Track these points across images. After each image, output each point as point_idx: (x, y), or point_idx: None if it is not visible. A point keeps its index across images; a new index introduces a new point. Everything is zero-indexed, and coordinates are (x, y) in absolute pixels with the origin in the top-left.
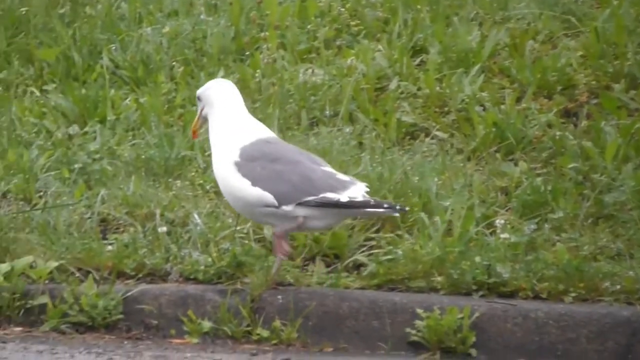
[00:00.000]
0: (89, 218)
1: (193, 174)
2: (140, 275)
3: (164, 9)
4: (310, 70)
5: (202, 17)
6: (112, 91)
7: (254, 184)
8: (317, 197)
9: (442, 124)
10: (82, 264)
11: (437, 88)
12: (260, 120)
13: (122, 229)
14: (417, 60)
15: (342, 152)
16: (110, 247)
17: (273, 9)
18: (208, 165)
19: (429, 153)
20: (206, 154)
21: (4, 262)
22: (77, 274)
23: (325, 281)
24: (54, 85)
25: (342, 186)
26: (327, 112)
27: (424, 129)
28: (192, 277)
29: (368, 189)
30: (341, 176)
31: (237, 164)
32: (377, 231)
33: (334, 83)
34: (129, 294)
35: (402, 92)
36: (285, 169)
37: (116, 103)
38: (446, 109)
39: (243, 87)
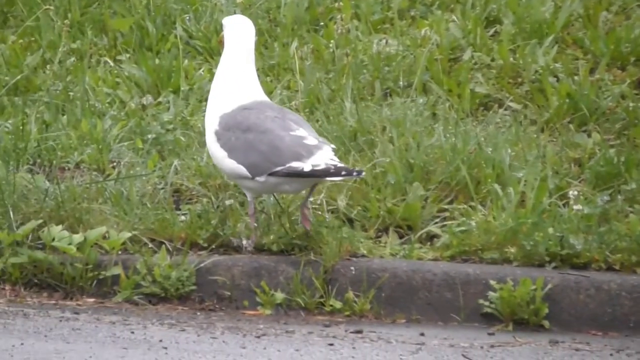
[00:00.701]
0: (162, 189)
1: None
2: (213, 247)
3: None
4: (384, 41)
5: None
6: (186, 61)
7: (229, 155)
8: (284, 167)
9: (515, 95)
10: (155, 235)
11: (511, 59)
12: (333, 91)
13: (195, 200)
14: (491, 31)
15: (416, 122)
16: (183, 218)
17: None
18: None
19: (502, 124)
20: None
21: (77, 232)
22: (150, 245)
23: (398, 252)
24: (128, 56)
25: (308, 152)
26: (401, 83)
27: (497, 100)
28: (264, 248)
29: (334, 151)
30: (310, 140)
31: (216, 134)
32: (451, 202)
33: (408, 53)
34: (202, 265)
35: (475, 63)
36: (255, 138)
37: (189, 73)
38: (520, 79)
39: (317, 57)
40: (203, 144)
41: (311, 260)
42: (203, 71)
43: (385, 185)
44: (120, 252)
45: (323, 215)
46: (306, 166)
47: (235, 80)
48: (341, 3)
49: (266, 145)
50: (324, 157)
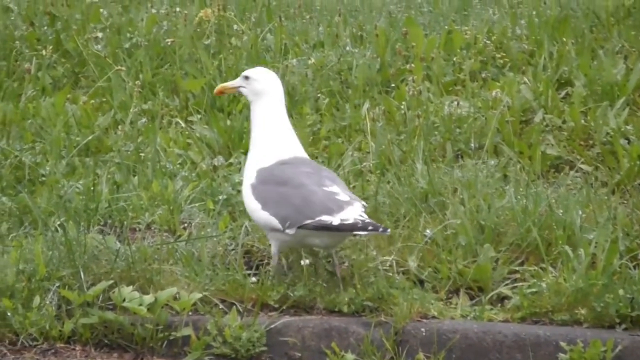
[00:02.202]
0: (233, 250)
1: None
2: (283, 307)
3: (310, 40)
4: (455, 103)
5: (347, 48)
6: None
7: (263, 207)
8: (314, 220)
9: (586, 157)
10: (225, 296)
11: (582, 121)
12: (404, 152)
13: (266, 261)
14: (562, 93)
15: (487, 184)
16: (254, 279)
17: (419, 40)
18: None
19: (573, 186)
20: (351, 185)
21: (147, 293)
22: (221, 306)
23: (469, 314)
24: (199, 117)
25: (339, 207)
26: (472, 145)
27: (568, 162)
28: (335, 309)
29: (364, 208)
30: (342, 196)
31: (252, 186)
32: (521, 264)
33: (479, 115)
34: (273, 326)
35: (547, 125)
36: (289, 192)
37: None
38: (591, 141)
39: (388, 119)
40: None
41: (382, 321)
42: None
43: (456, 247)
44: (190, 313)
45: (393, 277)
46: (335, 220)
47: (273, 135)
48: (413, 65)
49: (299, 199)
50: (354, 212)
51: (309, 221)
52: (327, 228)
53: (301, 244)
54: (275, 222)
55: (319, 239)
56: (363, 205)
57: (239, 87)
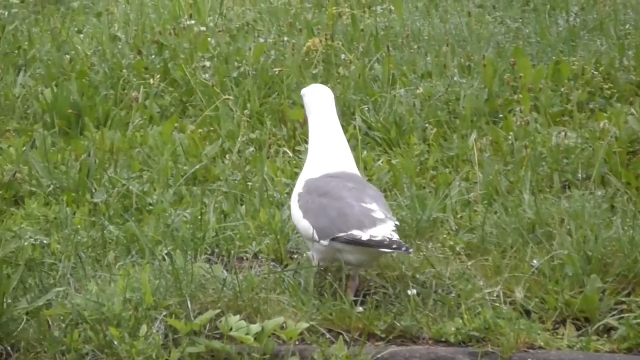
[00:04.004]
0: (340, 279)
1: (445, 235)
2: (390, 337)
3: (418, 70)
4: (562, 133)
5: (455, 78)
6: (365, 152)
7: (304, 215)
8: (346, 233)
9: None
10: (332, 325)
11: None
12: (512, 183)
13: (372, 291)
14: None
15: (594, 215)
16: (360, 308)
17: (526, 71)
18: (460, 227)
19: None
20: (458, 216)
21: (254, 322)
22: (328, 335)
23: (576, 344)
24: (306, 146)
25: (371, 223)
26: (579, 175)
27: None
28: (442, 339)
29: (396, 227)
30: (377, 213)
31: (299, 195)
32: (628, 294)
33: (587, 146)
34: (379, 355)
35: None
36: (328, 204)
37: (368, 164)
38: None
39: (496, 149)
40: None
41: (488, 351)
42: (382, 162)
43: (563, 277)
44: (297, 342)
45: (500, 307)
46: (365, 235)
47: (323, 149)
48: (520, 95)
49: (336, 211)
50: (385, 230)
51: (341, 234)
52: (356, 242)
53: (335, 258)
54: (312, 231)
55: (351, 255)
56: (396, 224)
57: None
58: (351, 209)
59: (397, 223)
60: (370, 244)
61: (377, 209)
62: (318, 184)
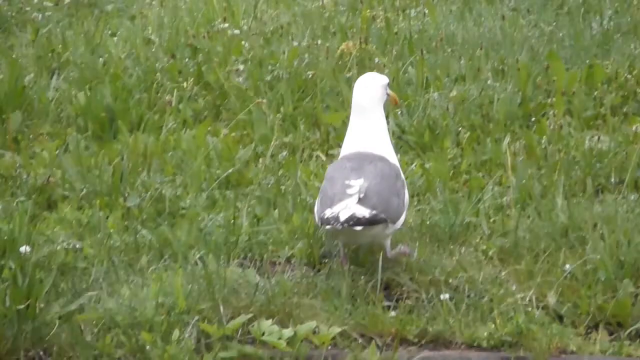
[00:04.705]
0: (372, 284)
1: (478, 240)
2: (422, 342)
3: (451, 74)
4: (596, 137)
5: (489, 82)
6: (398, 156)
7: (316, 201)
8: (321, 214)
9: None
10: (364, 330)
11: None
12: (545, 187)
13: (405, 295)
14: None
15: (627, 219)
16: (393, 313)
17: (560, 75)
18: (493, 231)
19: None
20: (491, 220)
21: (287, 327)
22: (360, 340)
23: (608, 349)
24: (339, 150)
25: (338, 201)
26: (613, 179)
27: None
28: (474, 344)
29: (360, 197)
30: (352, 189)
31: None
32: None
33: (620, 150)
34: None
35: None
36: (323, 187)
37: (402, 168)
38: None
39: (529, 153)
40: (414, 239)
41: (521, 356)
42: (415, 166)
43: (596, 282)
44: (330, 347)
45: (533, 312)
46: (327, 213)
47: (349, 134)
48: (554, 99)
49: (322, 194)
50: (343, 206)
51: (320, 215)
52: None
53: (345, 238)
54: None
55: (341, 235)
56: (359, 197)
57: None
58: (331, 190)
59: (362, 195)
60: (322, 222)
61: (356, 185)
62: (329, 170)
